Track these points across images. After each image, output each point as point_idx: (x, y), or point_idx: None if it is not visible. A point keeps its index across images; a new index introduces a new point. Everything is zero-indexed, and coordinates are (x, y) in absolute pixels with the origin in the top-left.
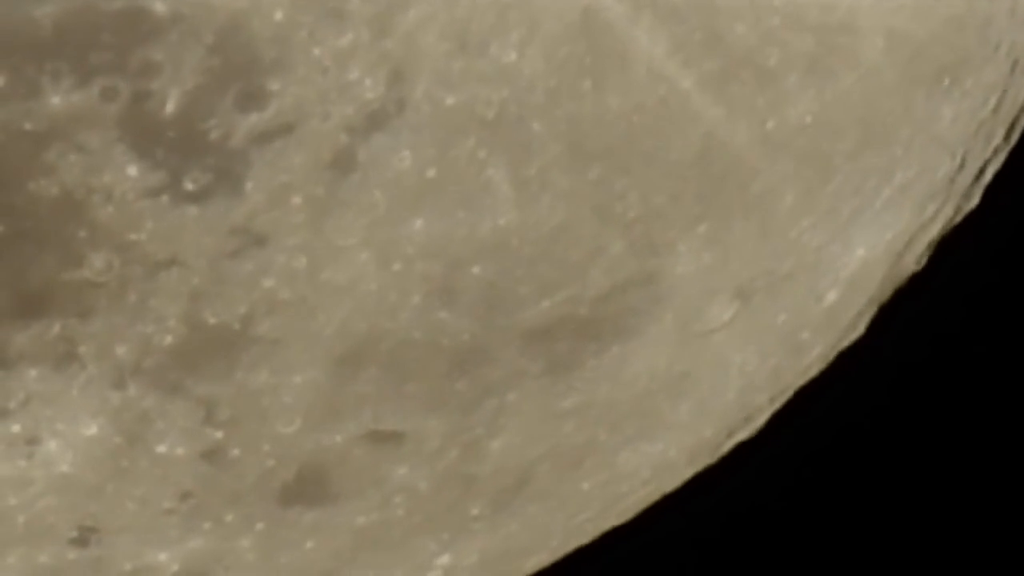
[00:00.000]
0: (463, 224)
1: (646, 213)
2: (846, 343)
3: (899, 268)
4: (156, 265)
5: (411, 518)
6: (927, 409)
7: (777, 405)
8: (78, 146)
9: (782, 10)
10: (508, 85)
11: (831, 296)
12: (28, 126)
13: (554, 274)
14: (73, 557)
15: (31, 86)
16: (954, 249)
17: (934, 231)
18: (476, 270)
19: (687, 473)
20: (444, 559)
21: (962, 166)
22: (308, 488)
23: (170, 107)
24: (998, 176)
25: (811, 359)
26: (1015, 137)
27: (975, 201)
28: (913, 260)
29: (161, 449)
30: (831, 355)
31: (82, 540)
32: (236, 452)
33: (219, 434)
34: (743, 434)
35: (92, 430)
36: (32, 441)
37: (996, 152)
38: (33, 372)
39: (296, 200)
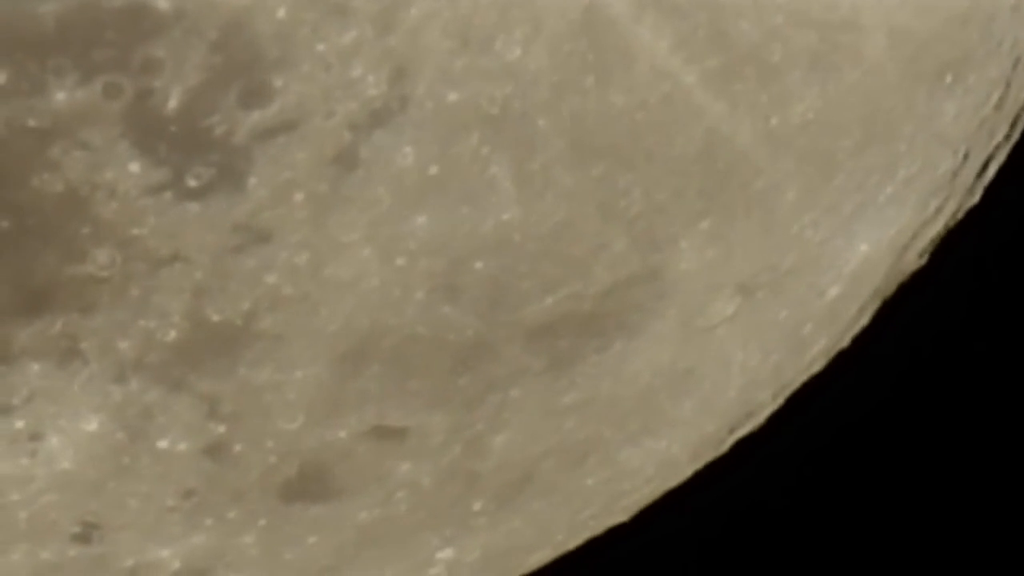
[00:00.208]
0: (466, 220)
1: (649, 209)
2: (849, 339)
3: (902, 264)
4: (159, 261)
5: (414, 514)
6: (930, 405)
7: (780, 401)
8: (81, 143)
9: (785, 7)
10: (511, 82)
11: (834, 292)
12: (32, 123)
13: (557, 270)
14: (75, 554)
15: (35, 83)
16: (957, 245)
17: (937, 227)
18: (479, 266)
19: (690, 469)
20: (447, 554)
21: (965, 162)
22: (311, 484)
23: (173, 104)
24: (1001, 172)
25: (814, 355)
26: (1017, 133)
27: (977, 197)
28: (916, 256)
29: (163, 445)
30: (833, 351)
31: (84, 537)
32: (239, 448)
33: (222, 430)
34: (745, 430)
35: (94, 426)
36: (35, 437)
37: (998, 148)
38: (36, 368)
39: (299, 196)
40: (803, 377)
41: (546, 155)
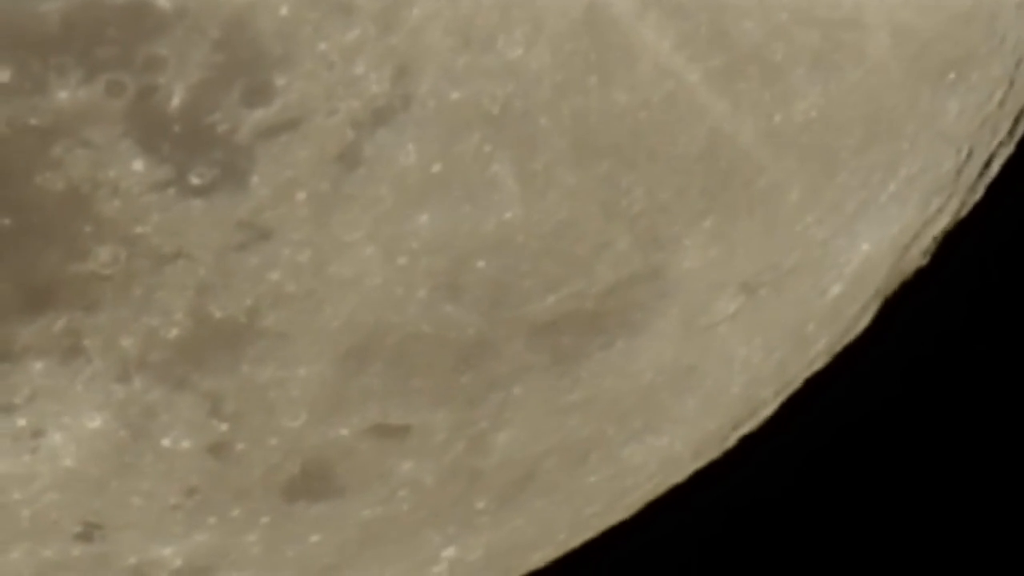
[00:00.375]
0: (468, 219)
1: (651, 208)
2: (851, 337)
3: (904, 262)
4: (162, 258)
5: (416, 512)
6: (932, 404)
7: (782, 398)
8: (84, 141)
9: (788, 6)
10: (513, 80)
11: (836, 290)
12: (34, 121)
13: (560, 269)
14: (77, 553)
15: (37, 81)
16: (959, 243)
17: (939, 225)
18: (481, 265)
19: (692, 467)
20: (449, 553)
21: (967, 160)
22: (314, 482)
23: (176, 102)
24: (1003, 170)
25: (816, 353)
26: (1020, 131)
27: (980, 195)
28: (918, 254)
29: (166, 443)
30: (836, 349)
31: (86, 535)
32: (242, 446)
33: (225, 428)
34: (748, 427)
35: (97, 424)
36: (37, 435)
37: (1001, 146)
38: (39, 366)
39: (301, 195)
40: (805, 375)
41: (548, 154)
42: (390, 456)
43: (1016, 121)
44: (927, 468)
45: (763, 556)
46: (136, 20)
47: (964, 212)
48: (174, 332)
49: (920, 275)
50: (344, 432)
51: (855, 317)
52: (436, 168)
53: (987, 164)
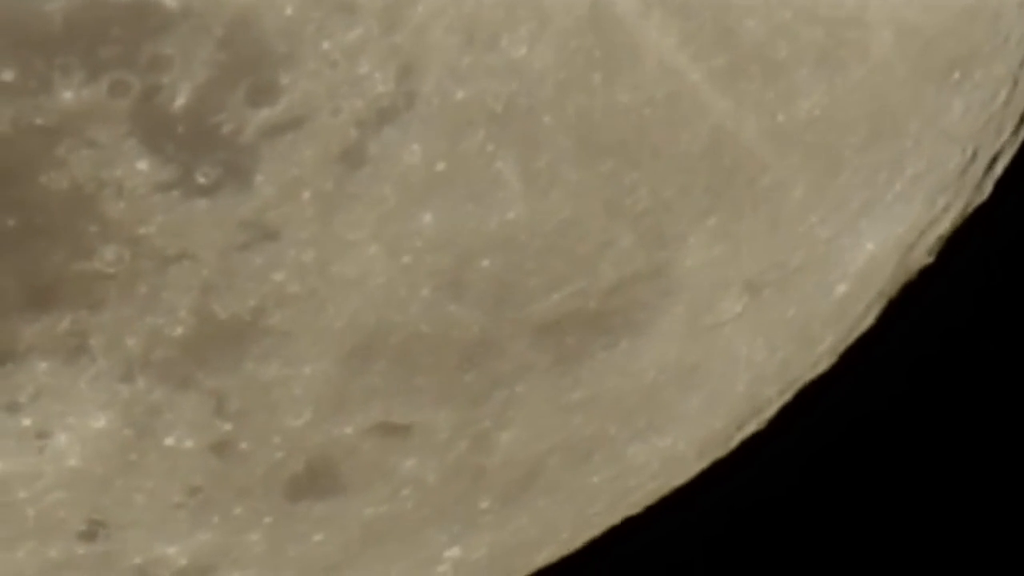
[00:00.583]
0: (472, 217)
1: (655, 206)
2: (856, 336)
3: (909, 261)
4: (166, 258)
5: (420, 510)
6: (937, 402)
7: (786, 398)
8: (89, 141)
9: (792, 4)
10: (517, 79)
11: (841, 289)
12: (39, 121)
13: (563, 267)
14: (82, 551)
15: (41, 81)
16: (964, 242)
17: (944, 224)
18: (485, 263)
19: (697, 466)
20: (453, 552)
21: (972, 159)
22: (317, 481)
23: (180, 101)
24: (1008, 169)
25: (820, 352)
26: None
27: (986, 194)
28: (923, 253)
29: (170, 442)
30: (841, 348)
31: (91, 534)
32: (245, 445)
33: (228, 426)
34: (752, 427)
35: (101, 423)
36: (42, 435)
37: (1007, 144)
38: (43, 365)
39: (306, 194)
40: (810, 374)
41: (552, 152)
42: (393, 455)
43: (1021, 120)
44: (932, 467)
45: (767, 556)
46: (140, 19)
47: (969, 211)
48: (178, 331)
49: (925, 274)
50: (348, 431)
51: (860, 316)
52: (440, 167)
53: (992, 163)
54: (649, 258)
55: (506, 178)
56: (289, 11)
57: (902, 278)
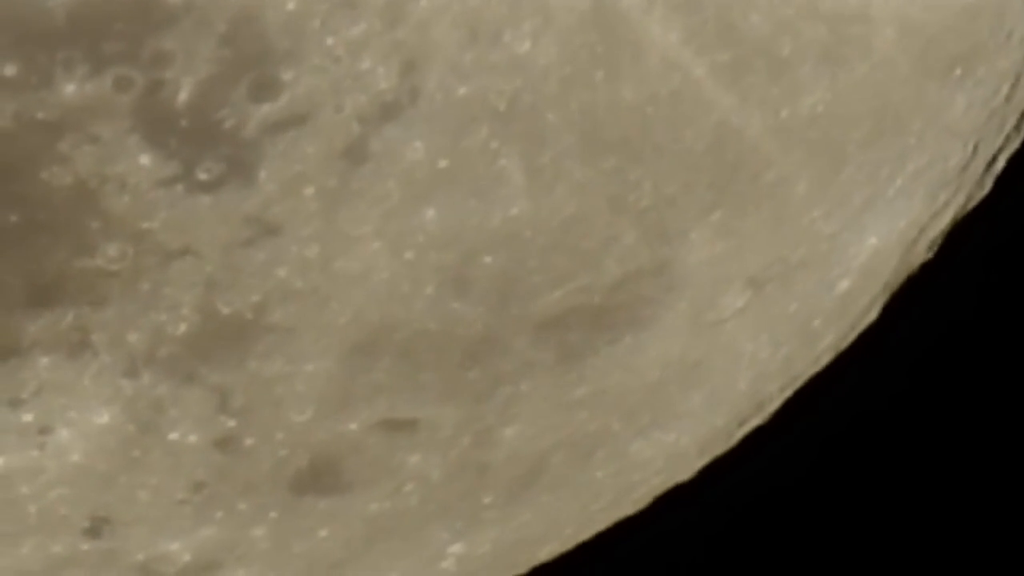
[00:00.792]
0: (476, 214)
1: (659, 202)
2: (858, 332)
3: (911, 257)
4: (169, 254)
5: (424, 507)
6: (940, 397)
7: (789, 393)
8: (91, 136)
9: (795, 1)
10: (521, 75)
11: (843, 285)
12: (41, 115)
13: (567, 264)
14: (86, 548)
15: (44, 75)
16: (966, 238)
17: (946, 220)
18: (489, 260)
19: (699, 463)
20: (457, 548)
21: (974, 155)
22: (321, 477)
23: (183, 97)
24: (1010, 165)
25: (823, 347)
26: None
27: (987, 189)
28: (925, 249)
29: (174, 438)
30: (843, 344)
31: (95, 530)
32: (249, 441)
33: (232, 423)
34: (755, 423)
35: (104, 419)
36: (44, 430)
37: (1008, 140)
38: (46, 361)
39: (309, 190)
40: (812, 370)
41: (556, 148)
42: (397, 451)
43: (1023, 116)
44: (935, 463)
45: (770, 552)
46: (143, 14)
47: (971, 206)
48: (182, 327)
49: (927, 269)
50: (351, 427)
51: (862, 312)
52: (443, 163)
53: (994, 159)
54: (652, 254)
55: (509, 174)
56: (292, 6)
57: (904, 273)
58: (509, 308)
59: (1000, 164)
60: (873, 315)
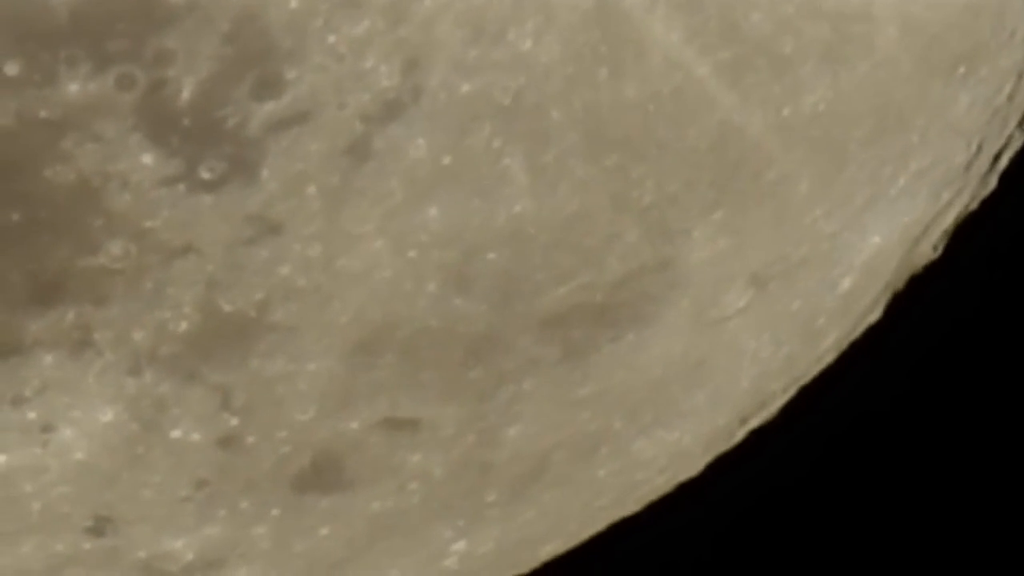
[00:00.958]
0: (479, 212)
1: (662, 200)
2: (861, 331)
3: (915, 255)
4: (172, 253)
5: (427, 505)
6: (943, 396)
7: (792, 392)
8: (94, 134)
9: None
10: (524, 73)
11: (846, 283)
12: (44, 114)
13: (570, 261)
14: (88, 546)
15: (47, 73)
16: (970, 237)
17: (950, 218)
18: (492, 257)
19: (702, 461)
20: (460, 546)
21: (978, 153)
22: (323, 475)
23: (186, 95)
24: (1014, 163)
25: (826, 346)
26: None
27: (991, 188)
28: (928, 248)
29: (176, 436)
30: (846, 342)
31: (97, 529)
32: (251, 439)
33: (234, 421)
34: (757, 421)
35: (108, 417)
36: (47, 428)
37: (1011, 139)
38: (49, 359)
39: (311, 188)
40: (815, 369)
41: (559, 146)
42: (400, 449)
43: None
44: (938, 461)
45: (773, 550)
46: (146, 13)
47: (974, 205)
48: (184, 326)
49: (930, 268)
50: (354, 425)
51: (865, 310)
52: (446, 161)
53: (997, 157)
54: (655, 252)
55: (512, 172)
56: (294, 5)
57: (907, 272)
58: (512, 306)
59: (1004, 162)
60: (876, 314)
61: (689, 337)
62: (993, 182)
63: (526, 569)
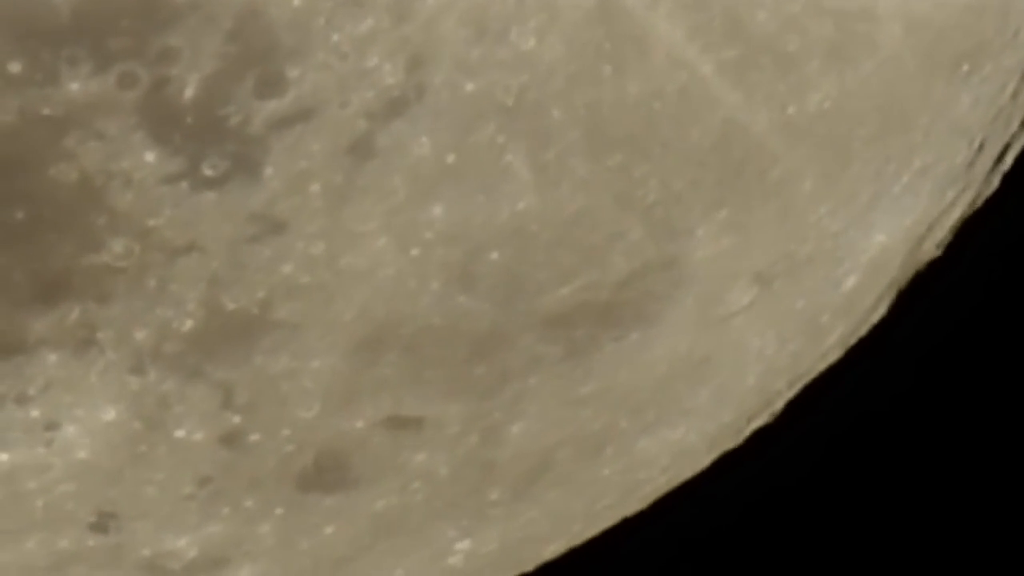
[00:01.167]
0: (482, 210)
1: (666, 198)
2: (865, 328)
3: (919, 253)
4: (175, 251)
5: (430, 503)
6: (947, 394)
7: (796, 390)
8: (97, 132)
9: None
10: (527, 71)
11: (850, 281)
12: (46, 112)
13: (573, 259)
14: (92, 543)
15: (49, 72)
16: (973, 235)
17: (953, 217)
18: (495, 255)
19: (707, 459)
20: (464, 544)
21: (981, 152)
22: (327, 473)
23: (188, 93)
24: (1017, 162)
25: (830, 344)
26: None
27: (994, 186)
28: (933, 246)
29: (180, 434)
30: (850, 340)
31: (101, 526)
32: (255, 437)
33: (238, 419)
34: (762, 419)
35: (111, 415)
36: (51, 426)
37: (1015, 138)
38: (52, 357)
39: (315, 186)
40: (820, 366)
41: (562, 144)
42: (404, 448)
43: None
44: (941, 459)
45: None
46: (149, 11)
47: (978, 203)
48: (187, 324)
49: (934, 266)
50: (358, 423)
51: (869, 308)
52: (450, 159)
53: (1001, 156)
54: (659, 250)
55: (516, 170)
56: (298, 3)
57: (911, 270)
58: (516, 304)
59: (1007, 161)
60: (880, 312)
61: (693, 335)
62: (996, 180)
63: (530, 567)
